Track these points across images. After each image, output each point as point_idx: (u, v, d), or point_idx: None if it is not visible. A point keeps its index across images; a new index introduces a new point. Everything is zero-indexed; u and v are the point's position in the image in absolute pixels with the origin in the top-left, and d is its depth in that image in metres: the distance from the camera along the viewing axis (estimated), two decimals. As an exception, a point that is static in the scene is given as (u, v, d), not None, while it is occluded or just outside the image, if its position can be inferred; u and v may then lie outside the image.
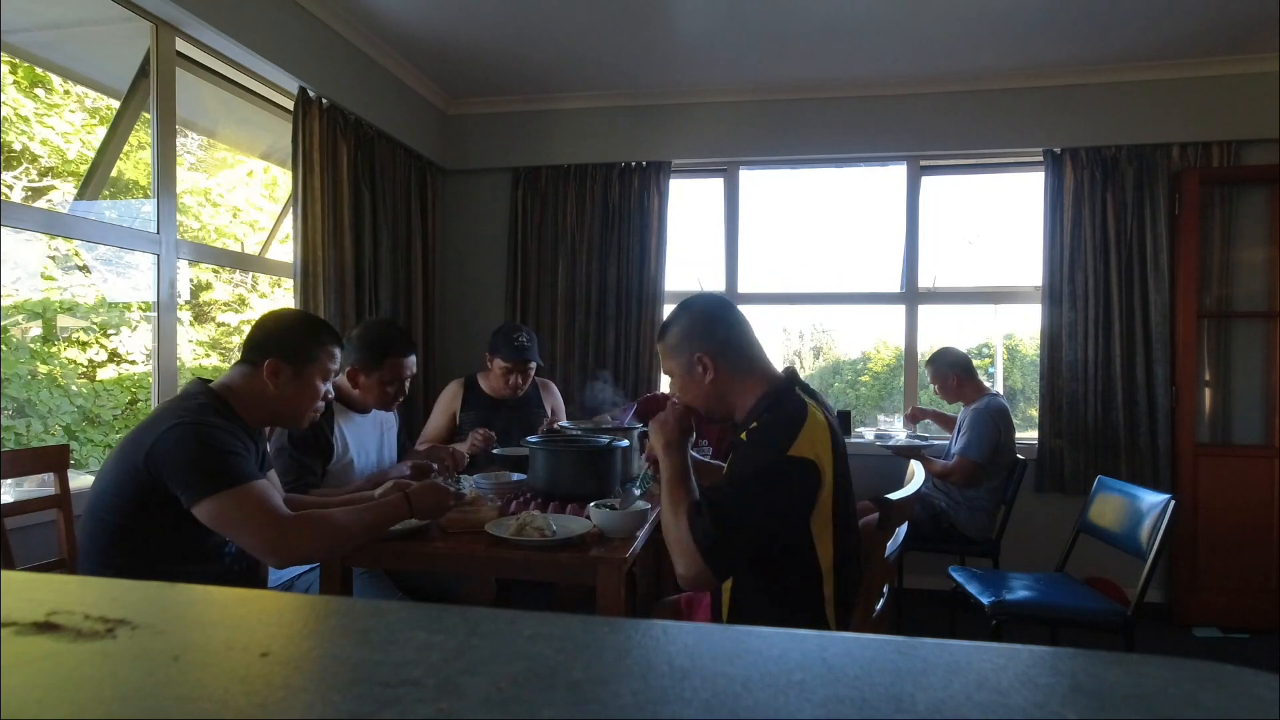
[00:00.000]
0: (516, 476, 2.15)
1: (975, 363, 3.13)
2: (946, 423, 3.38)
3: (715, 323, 1.45)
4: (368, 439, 2.16)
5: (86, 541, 1.43)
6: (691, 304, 1.49)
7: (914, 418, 3.45)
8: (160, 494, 1.35)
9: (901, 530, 1.62)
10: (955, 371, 3.08)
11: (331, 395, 1.67)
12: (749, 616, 1.40)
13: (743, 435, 1.40)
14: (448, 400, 2.74)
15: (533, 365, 2.63)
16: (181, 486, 1.34)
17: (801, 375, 1.50)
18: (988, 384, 3.15)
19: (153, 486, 1.35)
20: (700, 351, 1.43)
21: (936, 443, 3.24)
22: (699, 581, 1.27)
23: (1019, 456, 3.03)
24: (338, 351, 1.63)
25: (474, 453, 2.38)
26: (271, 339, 1.55)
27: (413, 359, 2.13)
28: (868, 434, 3.54)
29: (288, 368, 1.53)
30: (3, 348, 3.13)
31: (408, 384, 2.14)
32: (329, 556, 1.49)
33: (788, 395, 1.39)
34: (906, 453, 2.95)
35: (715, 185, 3.81)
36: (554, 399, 2.88)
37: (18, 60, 2.72)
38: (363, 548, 1.63)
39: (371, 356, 2.05)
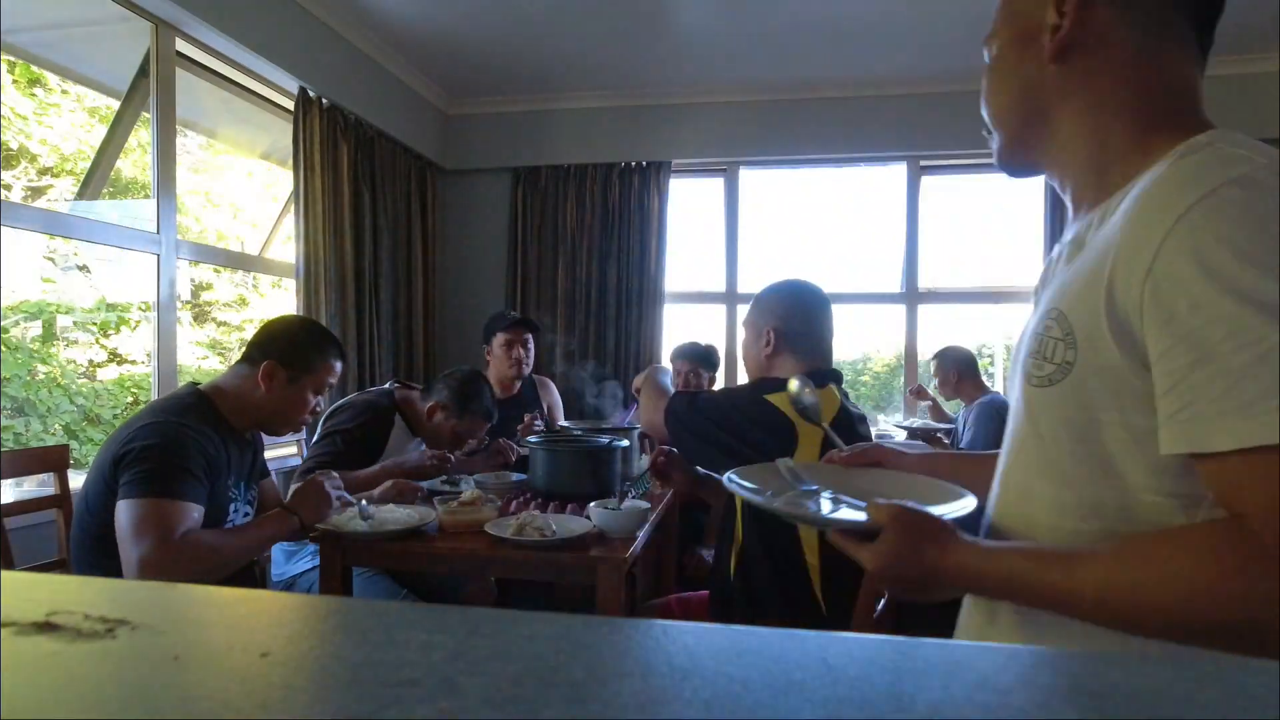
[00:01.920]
0: (517, 476, 2.14)
1: (977, 363, 3.14)
2: (941, 416, 3.39)
3: (798, 309, 1.54)
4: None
5: (74, 546, 1.42)
6: (794, 285, 1.59)
7: (918, 395, 3.46)
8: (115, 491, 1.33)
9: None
10: (956, 368, 3.09)
11: (320, 409, 1.66)
12: (755, 577, 1.42)
13: None
14: None
15: (530, 337, 2.67)
16: (124, 478, 1.31)
17: None
18: (988, 384, 3.16)
19: (114, 483, 1.34)
20: (771, 326, 1.52)
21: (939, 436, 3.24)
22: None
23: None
24: (338, 365, 1.63)
25: (504, 464, 2.35)
26: (275, 342, 1.55)
27: (488, 427, 2.21)
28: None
29: (283, 372, 1.53)
30: (3, 348, 3.13)
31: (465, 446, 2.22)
32: (207, 579, 1.36)
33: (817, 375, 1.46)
34: (920, 435, 2.97)
35: (715, 185, 3.82)
36: (551, 396, 2.88)
37: (17, 60, 2.72)
38: (363, 548, 1.63)
39: (459, 405, 2.10)
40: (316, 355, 1.57)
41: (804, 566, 1.36)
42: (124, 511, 1.30)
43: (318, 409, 1.62)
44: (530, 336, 2.67)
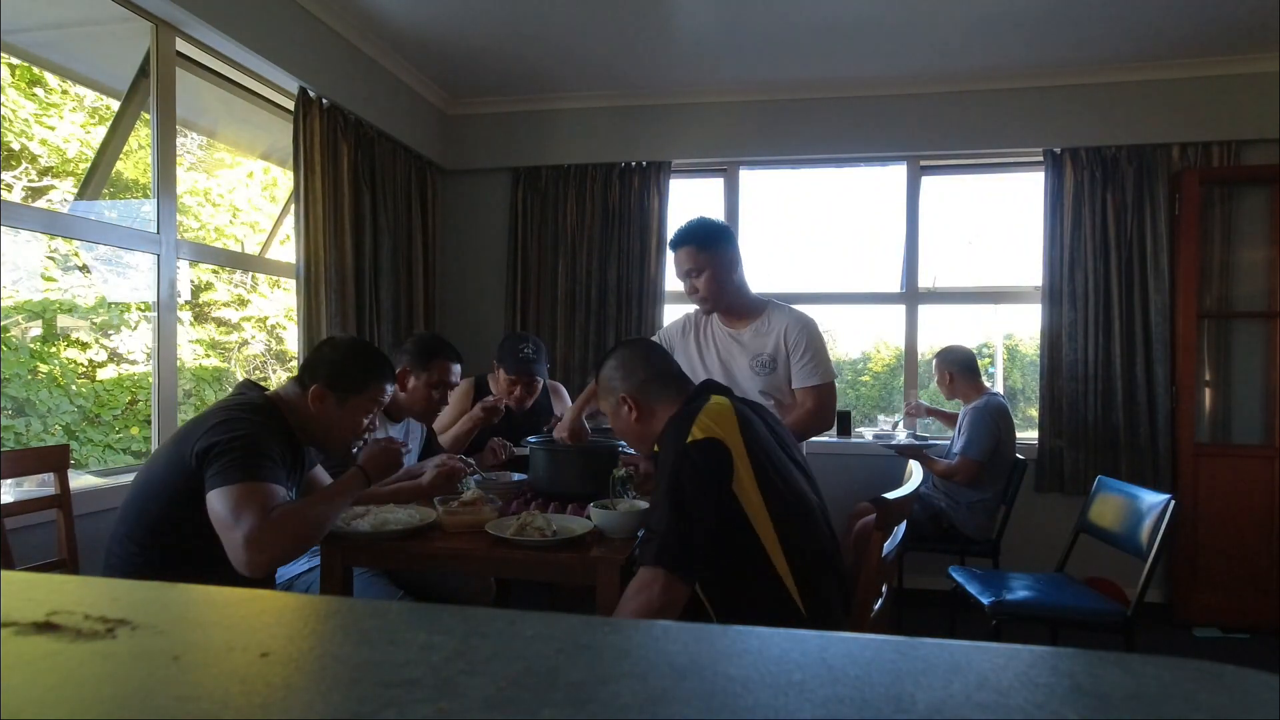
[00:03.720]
0: (517, 476, 2.15)
1: (976, 362, 3.13)
2: (948, 420, 3.38)
3: (635, 363, 1.58)
4: None
5: (122, 529, 1.48)
6: (615, 350, 1.63)
7: (912, 413, 3.45)
8: (201, 486, 1.40)
9: (900, 529, 1.62)
10: (954, 368, 3.09)
11: (375, 429, 1.71)
12: (728, 613, 1.40)
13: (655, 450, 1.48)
14: (459, 399, 2.72)
15: (539, 381, 2.59)
16: (210, 472, 1.38)
17: None
18: (988, 384, 3.16)
19: (196, 478, 1.40)
20: (623, 393, 1.55)
21: (938, 443, 3.24)
22: (673, 595, 1.25)
23: (1019, 456, 3.03)
24: (389, 388, 1.68)
25: (495, 464, 2.35)
26: (323, 365, 1.60)
27: (458, 368, 2.19)
28: (867, 434, 3.54)
29: (332, 395, 1.58)
30: (3, 348, 3.13)
31: (449, 394, 2.20)
32: (306, 545, 1.46)
33: (690, 403, 1.47)
34: (909, 453, 2.95)
35: (715, 185, 3.81)
36: (564, 402, 2.84)
37: (16, 60, 2.72)
38: (363, 548, 1.63)
39: (421, 358, 2.11)
40: (364, 376, 1.61)
41: (775, 574, 1.34)
42: (219, 499, 1.36)
43: (372, 428, 1.67)
44: (539, 381, 2.61)
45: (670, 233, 3.71)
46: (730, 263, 2.14)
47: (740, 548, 1.34)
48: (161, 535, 1.45)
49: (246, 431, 1.43)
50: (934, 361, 3.20)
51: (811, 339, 2.10)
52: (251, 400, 1.55)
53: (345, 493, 1.54)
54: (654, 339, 2.39)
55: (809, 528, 1.40)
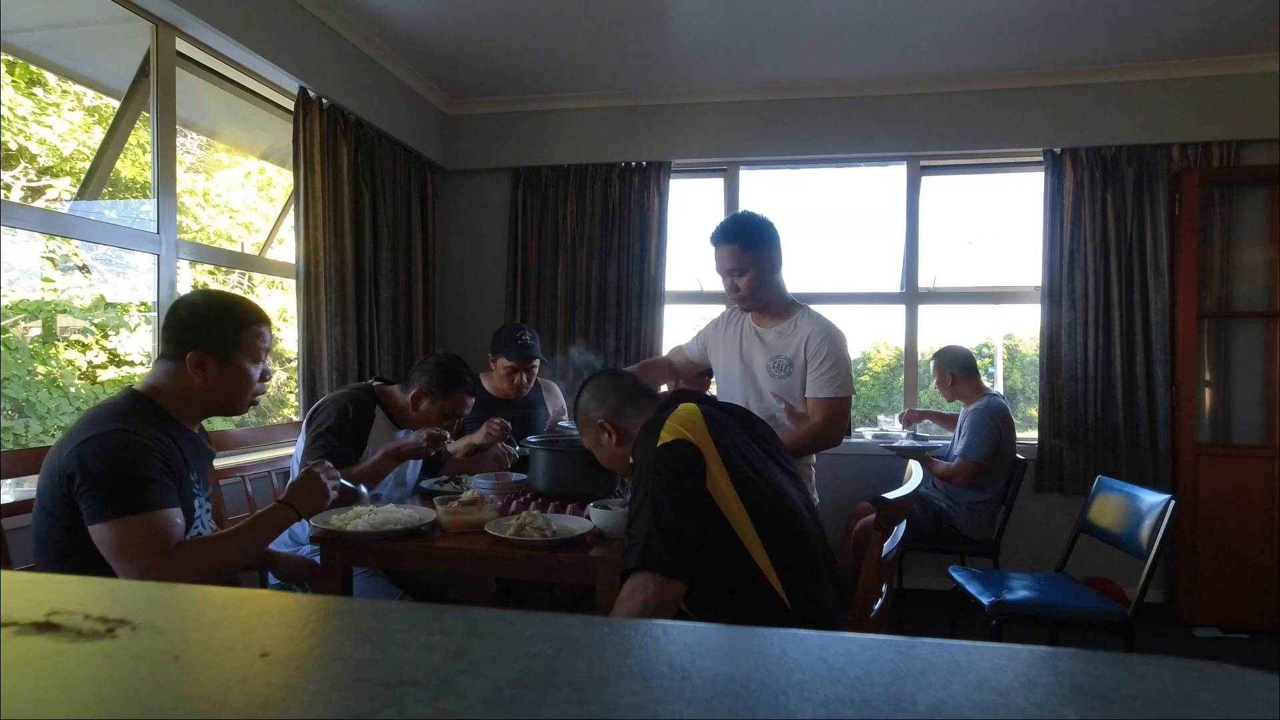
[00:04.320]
0: (516, 476, 2.15)
1: (975, 363, 3.13)
2: (947, 422, 3.38)
3: (606, 390, 1.60)
4: None
5: (35, 559, 1.37)
6: (585, 385, 1.66)
7: (908, 420, 3.44)
8: (78, 509, 1.27)
9: (899, 529, 1.62)
10: (953, 370, 3.09)
11: (271, 374, 1.57)
12: (709, 611, 1.39)
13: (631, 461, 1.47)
14: None
15: (536, 363, 2.65)
16: (86, 502, 1.25)
17: None
18: (987, 384, 3.16)
19: (73, 501, 1.27)
20: (600, 418, 1.57)
21: (938, 443, 3.24)
22: (667, 596, 1.25)
23: (1019, 456, 3.03)
24: (265, 330, 1.50)
25: (490, 442, 2.35)
26: (189, 330, 1.42)
27: (473, 401, 2.18)
28: (867, 434, 3.54)
29: (212, 358, 1.42)
30: (2, 348, 3.13)
31: (456, 425, 2.19)
32: (215, 581, 1.34)
33: (660, 412, 1.48)
34: (910, 454, 2.95)
35: (715, 185, 3.82)
36: (557, 400, 2.87)
37: (16, 59, 2.72)
38: (363, 548, 1.63)
39: (442, 386, 2.08)
40: (235, 329, 1.44)
41: (757, 570, 1.33)
42: (102, 535, 1.24)
43: (266, 377, 1.52)
44: (536, 363, 2.65)
45: (671, 233, 3.73)
46: (773, 264, 2.08)
47: (719, 545, 1.33)
48: (69, 558, 1.31)
49: (115, 453, 1.27)
50: (933, 363, 3.20)
51: (833, 350, 2.03)
52: (117, 405, 1.37)
53: (264, 528, 1.44)
54: (694, 334, 2.41)
55: (792, 525, 1.39)
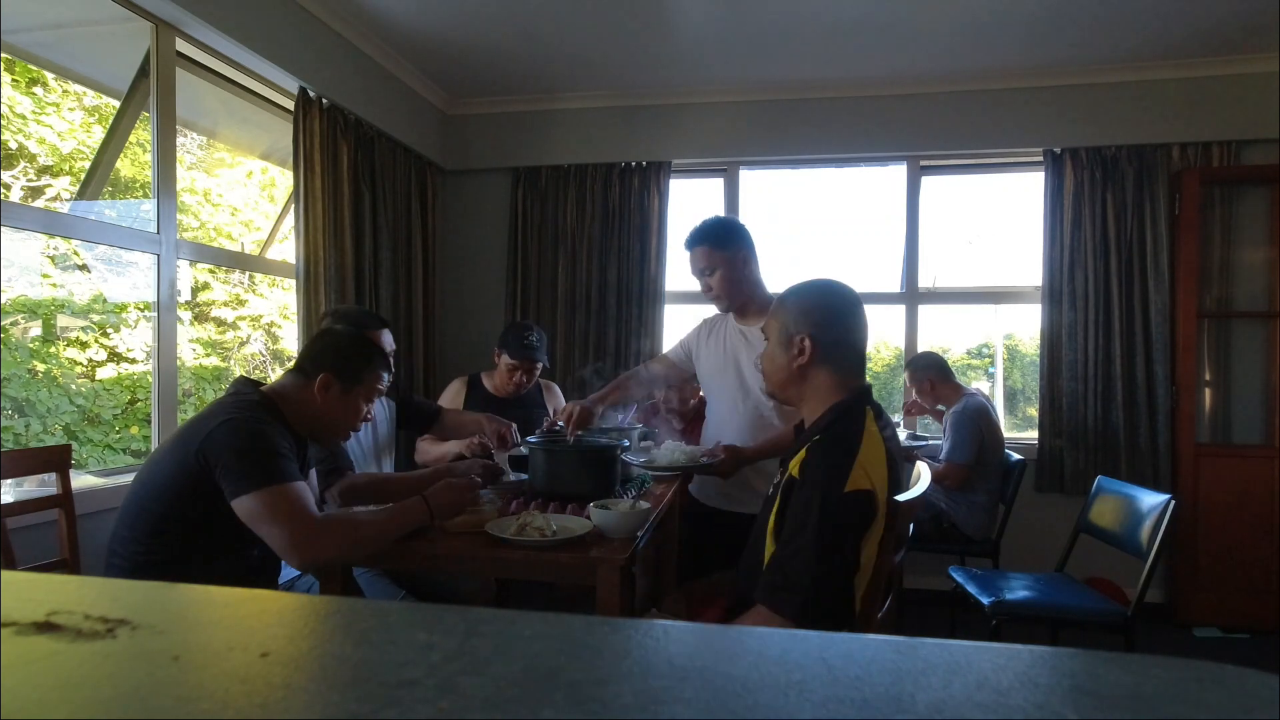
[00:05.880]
0: (516, 476, 2.14)
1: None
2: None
3: (838, 317, 1.41)
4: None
5: (124, 530, 1.48)
6: (828, 286, 1.46)
7: (910, 411, 3.44)
8: (207, 486, 1.41)
9: (906, 532, 1.61)
10: (929, 375, 3.09)
11: (373, 417, 1.73)
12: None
13: (802, 454, 1.33)
14: (450, 399, 2.74)
15: (539, 365, 2.66)
16: (228, 479, 1.39)
17: None
18: (987, 384, 3.15)
19: (202, 479, 1.41)
20: (806, 334, 1.38)
21: (937, 443, 3.24)
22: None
23: (1019, 456, 3.02)
24: (386, 377, 1.71)
25: (473, 454, 2.34)
26: (328, 354, 1.62)
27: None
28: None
29: (338, 384, 1.60)
30: (2, 348, 3.13)
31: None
32: (351, 556, 1.53)
33: (852, 411, 1.35)
34: (908, 455, 2.94)
35: (715, 185, 3.81)
36: (556, 401, 2.87)
37: (16, 59, 2.72)
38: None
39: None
40: (366, 367, 1.64)
41: (852, 604, 1.28)
42: (247, 505, 1.37)
43: (369, 416, 1.70)
44: (539, 365, 2.67)
45: (670, 233, 3.73)
46: (743, 261, 2.12)
47: (839, 599, 1.26)
48: (165, 535, 1.46)
49: (253, 434, 1.43)
50: (906, 376, 3.17)
51: None
52: (248, 398, 1.54)
53: (403, 519, 1.53)
54: (678, 344, 2.40)
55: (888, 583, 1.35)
